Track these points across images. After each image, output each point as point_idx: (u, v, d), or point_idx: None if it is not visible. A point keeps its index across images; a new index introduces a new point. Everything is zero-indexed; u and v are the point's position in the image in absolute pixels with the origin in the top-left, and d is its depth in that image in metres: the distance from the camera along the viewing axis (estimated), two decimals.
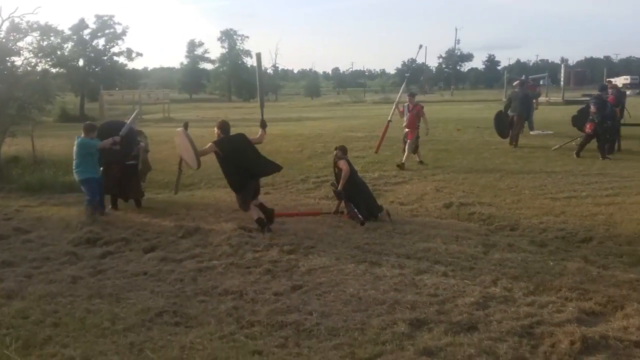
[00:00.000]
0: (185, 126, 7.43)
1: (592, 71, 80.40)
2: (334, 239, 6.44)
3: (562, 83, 39.86)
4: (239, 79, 75.84)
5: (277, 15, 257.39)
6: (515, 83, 16.82)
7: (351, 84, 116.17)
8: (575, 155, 11.67)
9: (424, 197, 8.67)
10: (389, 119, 12.41)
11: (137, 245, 6.45)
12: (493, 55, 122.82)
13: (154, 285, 5.11)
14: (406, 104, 12.07)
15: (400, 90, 13.78)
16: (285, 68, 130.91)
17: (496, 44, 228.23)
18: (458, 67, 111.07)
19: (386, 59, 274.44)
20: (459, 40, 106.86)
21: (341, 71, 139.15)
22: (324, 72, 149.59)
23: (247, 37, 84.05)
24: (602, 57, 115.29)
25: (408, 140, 11.41)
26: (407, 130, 11.59)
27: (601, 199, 8.05)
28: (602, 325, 4.06)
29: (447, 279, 5.09)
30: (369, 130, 18.86)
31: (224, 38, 79.22)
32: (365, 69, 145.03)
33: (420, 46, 13.76)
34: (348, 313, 4.32)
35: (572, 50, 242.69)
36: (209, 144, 7.13)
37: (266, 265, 5.51)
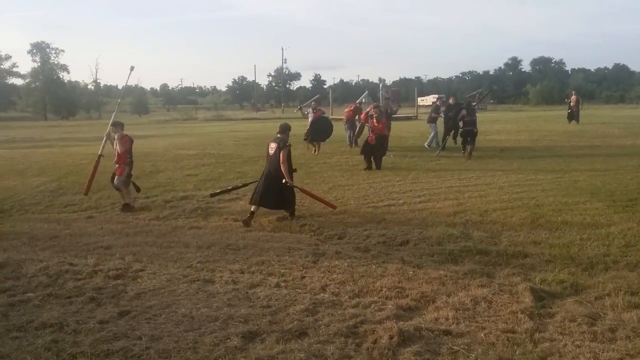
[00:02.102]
0: None
1: (406, 90, 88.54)
2: (165, 260, 6.23)
3: (381, 101, 43.30)
4: (54, 95, 69.73)
5: (96, 28, 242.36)
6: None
7: (181, 100, 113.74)
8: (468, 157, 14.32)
9: (257, 212, 8.77)
10: (99, 153, 9.87)
11: None
12: (319, 74, 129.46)
13: None
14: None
15: (113, 115, 11.14)
16: (108, 84, 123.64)
17: (322, 64, 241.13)
18: (287, 86, 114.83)
19: (217, 76, 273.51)
20: (286, 59, 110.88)
21: (170, 87, 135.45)
22: (152, 89, 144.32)
23: (63, 50, 78.31)
24: (413, 78, 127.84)
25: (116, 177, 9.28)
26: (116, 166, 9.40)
27: (415, 205, 8.88)
28: (417, 318, 4.46)
29: (280, 289, 5.21)
30: (200, 147, 18.66)
31: (35, 51, 72.61)
32: (195, 86, 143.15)
33: (132, 68, 11.40)
34: (180, 333, 4.21)
35: (388, 71, 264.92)
36: None
37: (90, 294, 5.14)
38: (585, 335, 4.07)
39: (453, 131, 16.47)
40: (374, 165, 12.97)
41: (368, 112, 13.88)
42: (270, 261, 6.10)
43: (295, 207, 8.44)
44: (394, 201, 9.27)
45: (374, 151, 13.03)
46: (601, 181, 10.60)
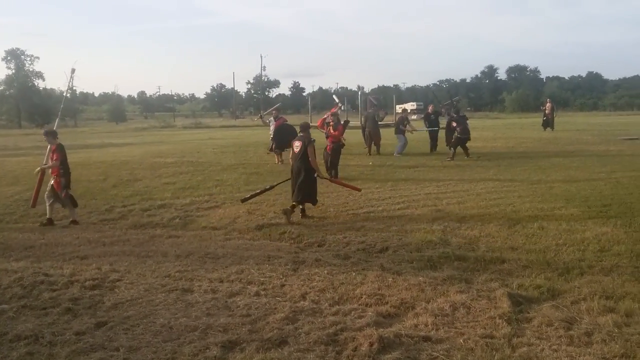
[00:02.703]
0: None
1: (384, 97, 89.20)
2: (143, 270, 6.15)
3: (360, 108, 43.57)
4: (29, 102, 68.63)
5: (72, 36, 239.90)
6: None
7: (159, 108, 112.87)
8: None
9: (236, 221, 8.75)
10: (43, 163, 9.08)
11: None
12: (298, 82, 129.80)
13: None
14: None
15: (55, 122, 10.20)
16: (85, 91, 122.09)
17: (301, 71, 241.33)
18: (266, 93, 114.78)
19: (195, 84, 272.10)
20: (265, 67, 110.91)
21: (148, 95, 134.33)
22: (129, 96, 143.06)
23: (38, 57, 77.30)
24: (392, 85, 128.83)
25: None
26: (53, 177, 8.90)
27: (394, 212, 8.93)
28: (397, 325, 4.48)
29: (260, 298, 5.19)
30: (179, 155, 18.53)
31: (9, 58, 71.40)
32: (174, 93, 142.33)
33: (73, 70, 10.63)
34: (158, 344, 4.16)
35: (367, 78, 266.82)
36: None
37: (66, 304, 5.04)
38: (562, 340, 4.13)
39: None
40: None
41: (325, 118, 13.47)
42: (250, 270, 6.06)
43: (282, 213, 8.60)
44: (373, 208, 9.31)
45: (330, 159, 12.80)
46: (576, 187, 10.79)
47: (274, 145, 15.95)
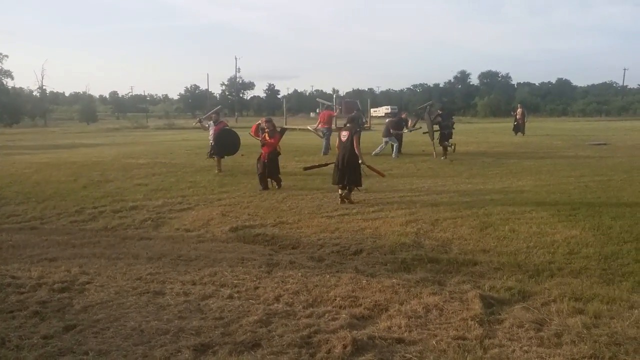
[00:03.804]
0: None
1: (360, 101, 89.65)
2: (114, 272, 6.03)
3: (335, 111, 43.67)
4: None
5: (42, 34, 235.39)
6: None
7: (132, 108, 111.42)
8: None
9: (210, 223, 8.66)
10: None
11: None
12: (273, 84, 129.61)
13: None
14: None
15: None
16: (55, 90, 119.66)
17: (275, 74, 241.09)
18: (241, 95, 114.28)
19: (169, 84, 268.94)
20: (239, 68, 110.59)
21: (120, 95, 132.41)
22: (101, 96, 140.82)
23: (7, 56, 75.64)
24: (366, 89, 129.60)
25: None
26: None
27: (369, 215, 8.96)
28: (370, 327, 4.48)
29: (233, 300, 5.14)
30: (151, 156, 18.30)
31: None
32: (146, 94, 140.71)
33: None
34: (129, 347, 4.08)
35: (342, 81, 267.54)
36: None
37: (33, 307, 4.91)
38: (533, 341, 4.18)
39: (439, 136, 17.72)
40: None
41: (259, 124, 12.03)
42: (223, 272, 6.00)
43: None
44: (348, 210, 9.32)
45: (268, 169, 11.72)
46: (546, 191, 10.99)
47: (212, 153, 14.66)
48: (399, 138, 18.57)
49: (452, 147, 17.56)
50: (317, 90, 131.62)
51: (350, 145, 9.93)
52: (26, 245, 7.32)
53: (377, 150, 18.45)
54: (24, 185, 12.35)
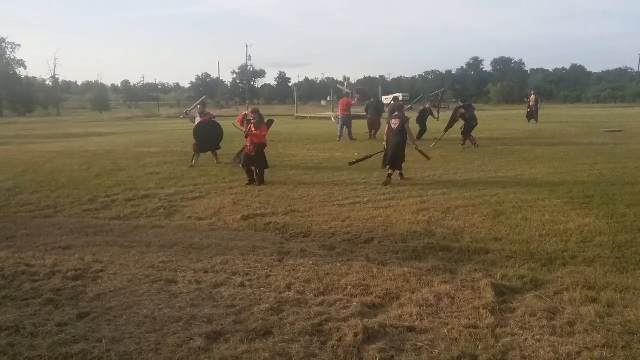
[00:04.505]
0: None
1: (371, 88, 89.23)
2: (126, 260, 6.09)
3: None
4: (11, 91, 67.70)
5: (54, 23, 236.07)
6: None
7: (143, 97, 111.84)
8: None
9: (221, 211, 8.70)
10: None
11: None
12: (284, 72, 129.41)
13: None
14: None
15: None
16: (67, 80, 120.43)
17: (286, 61, 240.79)
18: (252, 83, 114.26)
19: (180, 73, 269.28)
20: (250, 56, 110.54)
21: (132, 84, 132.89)
22: (113, 85, 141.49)
23: (19, 45, 76.12)
24: (378, 76, 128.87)
25: None
26: None
27: (380, 203, 8.94)
28: (381, 315, 4.48)
29: (244, 288, 5.16)
30: (163, 145, 18.37)
31: None
32: (158, 83, 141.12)
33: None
34: (142, 335, 4.12)
35: (353, 69, 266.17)
36: None
37: (47, 295, 4.97)
38: (545, 330, 4.16)
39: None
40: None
41: (245, 115, 11.32)
42: (235, 260, 6.03)
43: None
44: (359, 199, 9.31)
45: (255, 163, 11.03)
46: (559, 179, 10.89)
47: (198, 146, 13.74)
48: (422, 126, 18.95)
49: (463, 143, 17.12)
50: (328, 78, 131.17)
51: (400, 132, 10.84)
52: (40, 234, 7.40)
53: None
54: (38, 174, 12.46)
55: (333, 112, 20.78)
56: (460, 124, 17.28)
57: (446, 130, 17.37)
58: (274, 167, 12.96)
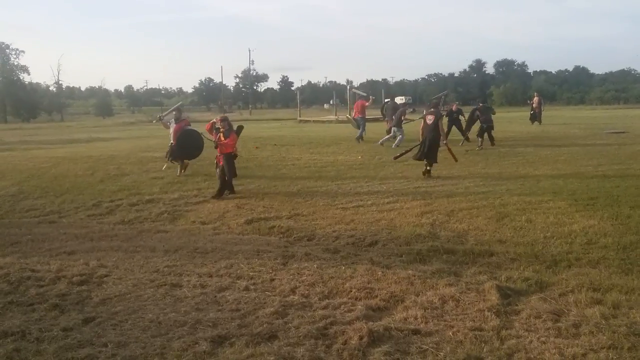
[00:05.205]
0: None
1: (373, 92, 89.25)
2: (131, 265, 6.11)
3: (348, 103, 43.54)
4: (15, 97, 67.98)
5: (58, 29, 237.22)
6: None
7: (147, 102, 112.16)
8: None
9: (225, 215, 8.71)
10: None
11: None
12: (287, 76, 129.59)
13: None
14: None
15: None
16: (71, 85, 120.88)
17: (289, 65, 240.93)
18: (255, 87, 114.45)
19: (183, 78, 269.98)
20: (253, 61, 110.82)
21: (135, 89, 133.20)
22: (116, 90, 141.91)
23: (23, 51, 76.49)
24: (380, 80, 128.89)
25: None
26: None
27: (384, 206, 8.94)
28: (386, 318, 4.48)
29: (249, 292, 5.17)
30: (166, 150, 18.34)
31: None
32: (161, 87, 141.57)
33: None
34: (147, 339, 4.13)
35: (356, 72, 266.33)
36: None
37: (53, 300, 4.99)
38: (550, 332, 4.15)
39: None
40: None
41: (214, 123, 10.64)
42: (239, 264, 6.04)
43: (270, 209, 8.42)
44: (363, 202, 9.31)
45: (226, 172, 10.34)
46: (563, 180, 10.87)
47: (172, 154, 12.89)
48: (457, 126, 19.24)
49: (480, 145, 17.40)
50: (330, 82, 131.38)
51: (434, 127, 11.86)
52: (45, 239, 7.43)
53: (397, 142, 17.85)
54: (42, 180, 12.51)
55: (349, 115, 21.17)
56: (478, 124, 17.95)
57: (465, 131, 18.06)
58: (278, 170, 12.98)
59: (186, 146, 12.68)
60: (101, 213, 9.16)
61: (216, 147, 10.48)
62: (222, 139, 10.31)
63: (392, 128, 18.36)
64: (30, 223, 8.58)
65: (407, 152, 12.90)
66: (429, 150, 11.79)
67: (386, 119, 20.58)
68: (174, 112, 13.54)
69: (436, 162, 12.06)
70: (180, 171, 12.83)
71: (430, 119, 11.99)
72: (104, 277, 5.69)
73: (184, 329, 4.30)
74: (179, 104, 15.12)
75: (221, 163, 10.28)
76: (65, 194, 10.66)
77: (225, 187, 10.28)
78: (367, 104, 21.14)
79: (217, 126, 10.46)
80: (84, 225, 8.38)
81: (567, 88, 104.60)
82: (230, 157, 10.36)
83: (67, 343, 4.08)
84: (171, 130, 13.00)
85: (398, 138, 17.83)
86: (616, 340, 3.94)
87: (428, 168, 11.88)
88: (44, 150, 20.28)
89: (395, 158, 13.42)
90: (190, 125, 13.47)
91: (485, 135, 17.47)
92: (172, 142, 12.84)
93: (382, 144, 17.82)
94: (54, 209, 9.46)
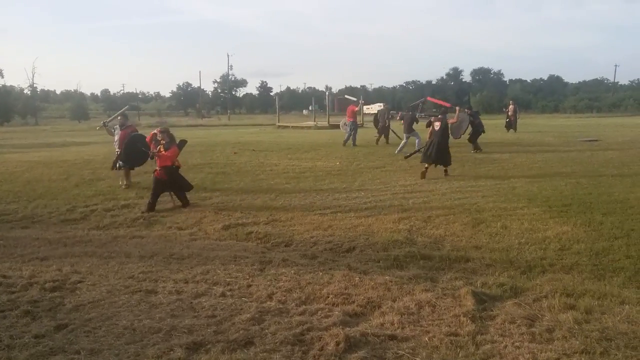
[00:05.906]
0: None
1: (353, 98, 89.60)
2: (105, 271, 6.02)
3: (327, 109, 43.72)
4: None
5: (33, 31, 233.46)
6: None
7: (123, 106, 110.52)
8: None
9: (202, 221, 8.64)
10: None
11: None
12: (266, 81, 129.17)
13: None
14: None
15: None
16: (46, 88, 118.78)
17: (268, 71, 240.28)
18: (233, 92, 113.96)
19: (161, 82, 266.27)
20: (231, 66, 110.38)
21: (112, 93, 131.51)
22: (92, 94, 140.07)
23: None
24: (359, 86, 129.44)
25: None
26: None
27: (361, 212, 8.96)
28: (363, 324, 4.50)
29: (225, 298, 5.13)
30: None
31: None
32: (138, 92, 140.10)
33: None
34: (121, 346, 4.07)
35: (335, 79, 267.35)
36: None
37: (24, 307, 4.90)
38: (525, 337, 4.21)
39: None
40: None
41: (155, 135, 9.94)
42: (216, 270, 6.00)
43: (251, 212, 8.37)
44: (341, 208, 9.33)
45: (174, 188, 9.91)
46: (538, 187, 11.03)
47: (119, 162, 11.89)
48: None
49: (474, 149, 18.22)
50: (309, 88, 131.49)
51: (443, 133, 12.60)
52: (17, 245, 7.29)
53: (417, 145, 17.75)
54: (15, 184, 12.27)
55: (342, 120, 21.71)
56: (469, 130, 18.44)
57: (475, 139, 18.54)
58: (256, 176, 12.94)
59: (133, 152, 11.16)
60: (75, 218, 9.01)
61: (152, 158, 10.04)
62: (163, 151, 9.67)
63: (404, 134, 18.27)
64: (2, 228, 8.40)
65: (416, 152, 14.32)
66: (440, 154, 12.54)
67: (380, 123, 21.11)
68: (119, 118, 12.64)
69: (450, 164, 12.88)
70: (124, 183, 11.90)
71: (437, 125, 12.73)
72: (77, 283, 5.60)
73: (158, 336, 4.25)
74: (125, 108, 14.31)
75: (163, 177, 9.67)
76: (39, 199, 10.47)
77: (153, 207, 9.56)
78: (356, 109, 21.54)
79: (157, 138, 9.87)
80: (57, 230, 8.23)
81: (541, 96, 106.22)
82: (173, 171, 9.82)
83: (39, 350, 4.01)
84: (116, 137, 12.25)
85: (416, 142, 17.72)
86: (589, 345, 4.01)
87: (445, 169, 12.85)
88: (17, 154, 19.89)
89: (407, 157, 15.02)
90: (137, 131, 12.33)
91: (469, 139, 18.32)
92: (117, 149, 12.02)
93: (403, 153, 17.64)
94: (27, 214, 9.29)
